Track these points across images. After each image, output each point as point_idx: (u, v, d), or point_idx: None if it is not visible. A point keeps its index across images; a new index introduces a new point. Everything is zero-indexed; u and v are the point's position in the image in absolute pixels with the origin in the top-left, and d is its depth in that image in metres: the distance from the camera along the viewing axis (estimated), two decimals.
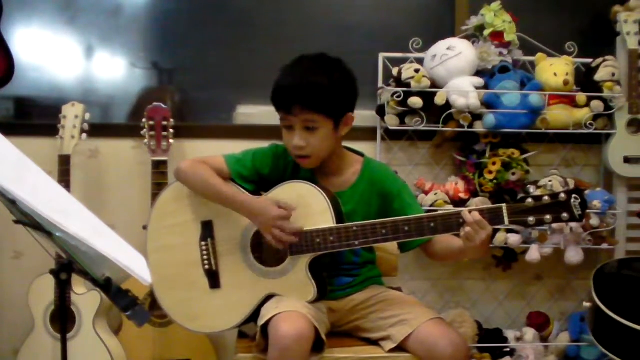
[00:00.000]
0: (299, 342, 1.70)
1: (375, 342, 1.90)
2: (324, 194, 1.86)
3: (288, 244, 1.84)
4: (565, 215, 1.71)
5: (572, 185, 2.64)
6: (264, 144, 2.04)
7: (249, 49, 2.87)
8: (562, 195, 1.71)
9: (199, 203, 1.96)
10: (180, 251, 1.97)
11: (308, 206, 1.86)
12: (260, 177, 1.98)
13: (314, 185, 1.88)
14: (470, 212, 1.73)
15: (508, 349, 2.78)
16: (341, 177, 1.99)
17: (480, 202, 2.64)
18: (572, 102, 2.70)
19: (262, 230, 1.86)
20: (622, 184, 2.82)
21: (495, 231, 2.67)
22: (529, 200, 1.72)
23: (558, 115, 2.68)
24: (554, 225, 2.62)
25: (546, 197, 1.71)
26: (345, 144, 2.03)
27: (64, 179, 2.49)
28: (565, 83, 2.65)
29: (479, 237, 1.72)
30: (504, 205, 1.74)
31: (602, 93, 2.70)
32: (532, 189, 2.45)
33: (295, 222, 1.85)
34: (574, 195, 1.71)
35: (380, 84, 2.78)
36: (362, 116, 2.83)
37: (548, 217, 1.72)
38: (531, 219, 1.72)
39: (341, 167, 2.00)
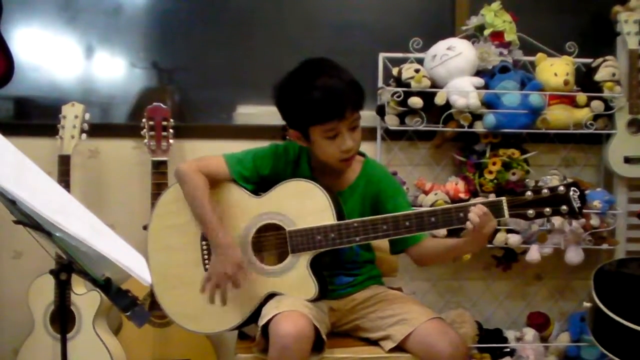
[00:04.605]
0: (299, 342, 1.70)
1: (375, 342, 1.90)
2: (325, 191, 1.86)
3: (214, 293, 1.88)
4: (564, 207, 1.73)
5: None
6: (264, 144, 2.04)
7: (249, 49, 2.87)
8: (561, 188, 1.74)
9: None
10: (181, 251, 1.97)
11: (309, 203, 1.87)
12: (261, 177, 1.98)
13: (314, 182, 1.88)
14: (475, 205, 1.74)
15: (508, 349, 2.78)
16: (340, 176, 1.99)
17: None
18: (572, 102, 2.70)
19: (211, 267, 1.88)
20: (622, 184, 2.82)
21: (496, 231, 2.66)
22: (529, 193, 1.74)
23: (558, 115, 2.68)
24: (555, 224, 2.62)
25: (545, 190, 1.74)
26: None
27: (64, 179, 2.49)
28: (566, 83, 2.65)
29: (487, 228, 1.73)
30: (503, 198, 1.76)
31: (602, 93, 2.69)
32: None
33: (296, 220, 1.86)
34: (572, 188, 1.74)
35: (380, 84, 2.78)
36: (362, 116, 2.80)
37: (547, 209, 1.74)
38: (531, 211, 1.74)
39: None
